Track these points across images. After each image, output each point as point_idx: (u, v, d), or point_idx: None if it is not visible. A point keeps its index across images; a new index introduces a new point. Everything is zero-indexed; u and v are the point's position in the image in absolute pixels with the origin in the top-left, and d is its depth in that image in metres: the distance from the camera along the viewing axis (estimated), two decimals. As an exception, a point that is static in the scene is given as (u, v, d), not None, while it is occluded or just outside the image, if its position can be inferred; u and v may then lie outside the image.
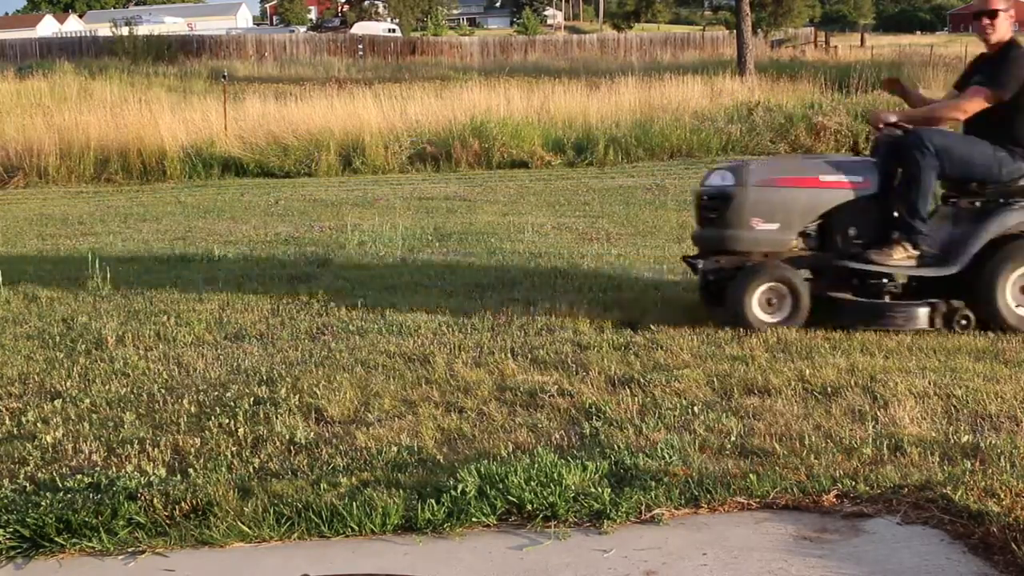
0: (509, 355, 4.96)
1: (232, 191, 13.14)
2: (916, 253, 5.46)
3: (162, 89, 23.45)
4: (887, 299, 5.48)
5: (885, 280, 5.48)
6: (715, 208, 5.57)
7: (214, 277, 7.22)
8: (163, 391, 4.55)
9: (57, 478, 3.52)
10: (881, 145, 5.66)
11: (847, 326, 5.36)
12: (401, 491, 3.32)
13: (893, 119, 5.59)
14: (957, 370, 4.59)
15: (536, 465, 3.43)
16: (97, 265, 7.06)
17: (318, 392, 4.41)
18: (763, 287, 5.42)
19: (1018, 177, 5.50)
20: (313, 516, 3.19)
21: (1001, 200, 5.51)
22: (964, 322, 5.39)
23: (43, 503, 3.27)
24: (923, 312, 5.38)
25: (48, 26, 79.29)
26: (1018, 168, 5.49)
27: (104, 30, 45.47)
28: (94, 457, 3.78)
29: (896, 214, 5.50)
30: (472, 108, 16.52)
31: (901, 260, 5.43)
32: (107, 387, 4.64)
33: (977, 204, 5.58)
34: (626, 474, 3.45)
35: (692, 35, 50.33)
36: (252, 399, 4.36)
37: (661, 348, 5.02)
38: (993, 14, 5.51)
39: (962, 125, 5.71)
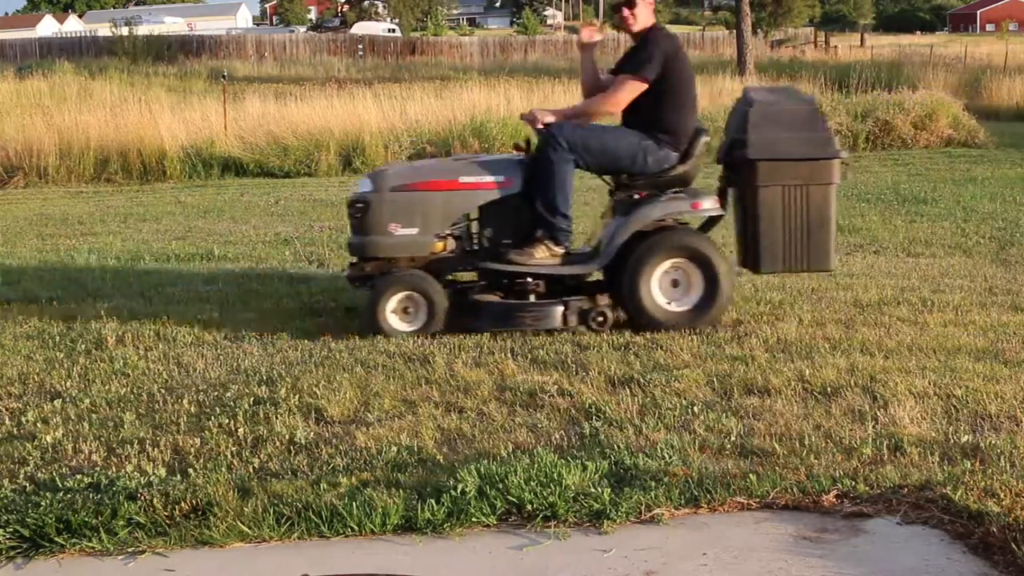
0: (509, 355, 4.96)
1: (232, 191, 13.13)
2: (560, 251, 5.40)
3: (162, 89, 23.43)
4: (532, 299, 5.41)
5: (531, 280, 5.39)
6: (358, 214, 5.51)
7: (214, 277, 7.22)
8: (163, 391, 4.55)
9: (57, 478, 3.52)
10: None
11: (479, 330, 5.30)
12: (401, 491, 3.32)
13: (551, 119, 5.48)
14: (957, 370, 4.58)
15: (536, 465, 3.43)
16: (97, 265, 7.06)
17: (318, 392, 4.41)
18: (398, 296, 5.37)
19: (668, 167, 5.45)
20: (313, 516, 3.19)
21: (650, 192, 5.46)
22: (600, 319, 5.35)
23: (43, 503, 3.27)
24: (556, 311, 5.32)
25: (48, 26, 79.28)
26: (666, 157, 5.44)
27: (104, 30, 45.48)
28: (94, 457, 3.78)
29: (537, 213, 5.40)
30: (472, 108, 16.50)
31: (544, 259, 5.37)
32: (107, 387, 4.64)
33: (634, 197, 5.52)
34: (626, 474, 3.45)
35: (692, 35, 50.32)
36: (252, 399, 4.36)
37: (661, 348, 5.02)
38: (632, 4, 5.46)
39: (621, 117, 5.63)
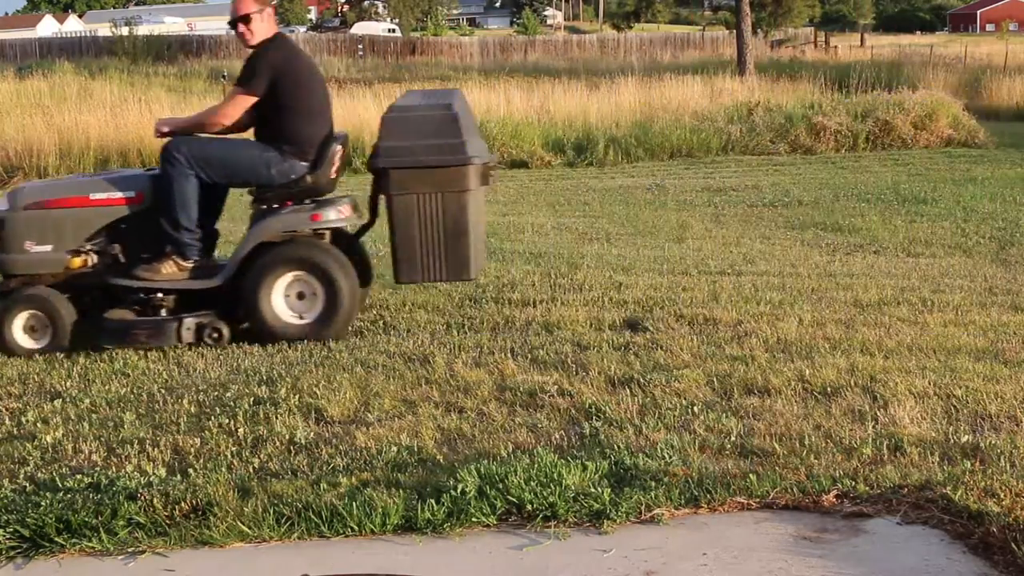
0: (509, 355, 4.96)
1: (231, 191, 13.13)
2: (189, 265, 5.41)
3: (162, 89, 23.42)
4: (164, 314, 5.42)
5: (161, 295, 5.40)
6: None
7: (214, 277, 7.21)
8: (163, 391, 4.55)
9: (57, 478, 3.52)
10: None
11: (105, 345, 5.32)
12: (401, 491, 3.32)
13: (166, 128, 5.54)
14: (957, 370, 4.58)
15: (536, 465, 3.43)
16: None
17: (318, 392, 4.41)
18: (24, 313, 5.40)
19: (295, 178, 5.41)
20: (313, 516, 3.19)
21: (276, 204, 5.45)
22: (215, 335, 5.35)
23: (43, 503, 3.27)
24: (170, 327, 5.31)
25: (48, 26, 79.24)
26: (291, 167, 5.41)
27: (104, 30, 45.44)
28: (94, 457, 3.78)
29: (163, 228, 5.42)
30: (472, 108, 16.51)
31: (172, 274, 5.39)
32: (107, 387, 4.64)
33: (263, 209, 5.50)
34: (626, 474, 3.45)
35: (692, 35, 50.31)
36: (252, 399, 4.36)
37: (661, 348, 5.02)
38: (247, 20, 5.44)
39: (254, 130, 5.63)
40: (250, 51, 5.53)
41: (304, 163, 5.44)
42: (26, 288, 5.46)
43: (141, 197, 5.49)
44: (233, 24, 5.52)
